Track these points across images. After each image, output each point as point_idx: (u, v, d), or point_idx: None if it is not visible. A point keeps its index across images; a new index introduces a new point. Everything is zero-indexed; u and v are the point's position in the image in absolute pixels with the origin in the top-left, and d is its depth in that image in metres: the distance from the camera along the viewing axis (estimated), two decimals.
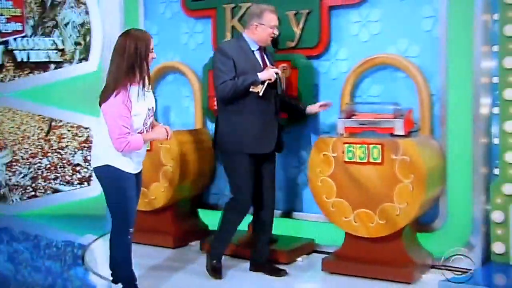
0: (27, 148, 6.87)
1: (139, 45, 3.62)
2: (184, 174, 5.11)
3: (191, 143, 5.21)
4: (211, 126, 5.43)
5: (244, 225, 4.64)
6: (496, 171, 4.30)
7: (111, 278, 3.96)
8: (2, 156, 6.89)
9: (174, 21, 5.67)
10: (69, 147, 6.81)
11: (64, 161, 6.81)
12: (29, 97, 6.85)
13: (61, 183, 6.81)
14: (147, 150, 4.00)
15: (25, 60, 6.82)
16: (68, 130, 6.82)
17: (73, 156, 6.80)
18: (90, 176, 6.76)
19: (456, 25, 4.33)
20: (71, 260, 5.14)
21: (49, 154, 6.82)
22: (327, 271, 4.45)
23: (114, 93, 3.55)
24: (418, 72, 4.43)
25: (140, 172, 3.87)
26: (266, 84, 4.16)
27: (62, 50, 6.78)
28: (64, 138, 6.82)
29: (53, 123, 6.83)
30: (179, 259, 4.91)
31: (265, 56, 4.38)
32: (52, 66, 6.80)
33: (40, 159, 6.83)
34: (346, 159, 4.29)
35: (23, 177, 6.86)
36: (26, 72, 6.85)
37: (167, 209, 5.26)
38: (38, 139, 6.85)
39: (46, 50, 6.79)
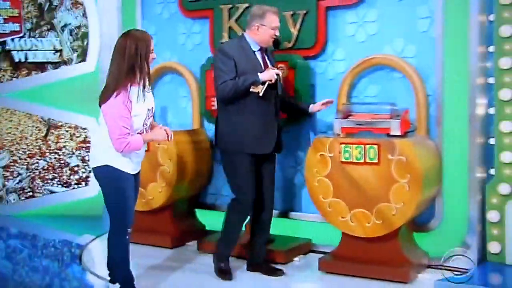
0: (25, 149, 6.87)
1: (140, 45, 3.62)
2: (181, 174, 5.12)
3: (189, 144, 5.22)
4: (208, 127, 5.45)
5: None
6: (492, 171, 4.31)
7: (108, 278, 3.98)
8: (0, 159, 6.90)
9: (171, 22, 5.68)
10: (66, 147, 6.81)
11: (61, 162, 6.81)
12: (26, 97, 6.85)
13: (59, 183, 6.82)
14: (145, 151, 4.01)
15: (22, 60, 6.83)
16: (66, 131, 6.82)
17: (71, 157, 6.81)
18: (88, 176, 6.76)
19: (452, 25, 4.35)
20: (69, 260, 5.14)
21: (46, 155, 6.83)
22: (324, 271, 4.46)
23: (115, 94, 3.55)
24: (414, 72, 4.44)
25: (138, 173, 3.88)
26: (266, 84, 4.17)
27: (60, 51, 6.79)
28: (62, 138, 6.82)
29: (51, 125, 6.83)
30: (176, 259, 4.92)
31: (266, 57, 4.39)
32: (50, 66, 6.81)
33: (38, 159, 6.84)
34: (343, 159, 4.30)
35: (20, 178, 6.86)
36: (23, 72, 6.86)
37: (164, 209, 5.27)
38: (36, 139, 6.86)
39: (43, 50, 6.79)
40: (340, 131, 4.41)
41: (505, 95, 4.22)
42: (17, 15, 6.80)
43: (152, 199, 5.17)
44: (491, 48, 4.29)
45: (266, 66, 4.32)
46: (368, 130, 4.34)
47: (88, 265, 4.83)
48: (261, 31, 4.30)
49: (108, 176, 3.70)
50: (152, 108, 3.82)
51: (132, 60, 3.60)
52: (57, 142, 6.82)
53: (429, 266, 4.46)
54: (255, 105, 4.23)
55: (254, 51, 4.34)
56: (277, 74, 4.25)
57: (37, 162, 6.84)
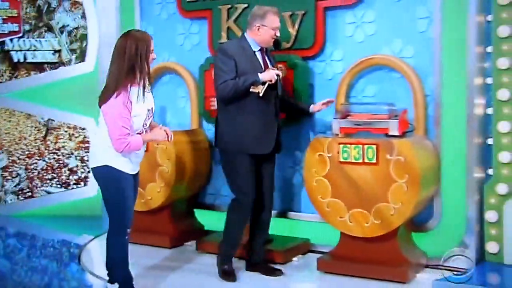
0: (24, 149, 6.87)
1: (140, 46, 3.62)
2: (180, 175, 5.13)
3: (187, 144, 5.22)
4: (207, 127, 5.46)
5: None
6: (490, 171, 4.32)
7: (107, 278, 3.98)
8: None
9: (170, 22, 5.68)
10: (65, 147, 6.82)
11: (60, 162, 6.82)
12: (25, 97, 6.86)
13: (58, 183, 6.82)
14: (144, 151, 4.01)
15: (21, 60, 6.83)
16: (65, 131, 6.83)
17: (70, 157, 6.81)
18: (87, 176, 6.77)
19: (450, 26, 4.36)
20: (68, 260, 5.14)
21: (45, 155, 6.83)
22: (323, 271, 4.47)
23: (115, 94, 3.55)
24: (412, 72, 4.45)
25: (137, 173, 3.88)
26: (266, 85, 4.18)
27: (58, 51, 6.79)
28: (60, 138, 6.83)
29: (50, 125, 6.83)
30: (175, 259, 4.92)
31: (266, 57, 4.39)
32: (49, 67, 6.81)
33: (37, 159, 6.84)
34: (341, 159, 4.31)
35: (19, 178, 6.86)
36: (22, 72, 6.86)
37: (163, 209, 5.28)
38: (35, 139, 6.86)
39: (42, 51, 6.80)
40: (339, 131, 4.42)
41: (503, 95, 4.23)
42: (16, 15, 6.81)
43: (151, 199, 5.18)
44: (489, 49, 4.30)
45: (266, 67, 4.32)
46: (366, 130, 4.34)
47: (87, 265, 4.83)
48: (262, 32, 4.31)
49: (107, 176, 3.70)
50: (152, 108, 3.83)
51: (132, 61, 3.60)
52: (56, 142, 6.83)
53: (427, 266, 4.47)
54: (255, 105, 4.24)
55: (254, 51, 4.35)
56: (277, 75, 4.25)
57: (36, 163, 6.84)
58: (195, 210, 5.61)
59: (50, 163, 6.82)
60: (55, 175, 6.82)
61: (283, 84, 4.58)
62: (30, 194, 6.85)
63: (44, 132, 6.83)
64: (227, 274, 4.35)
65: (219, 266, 4.40)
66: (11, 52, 6.83)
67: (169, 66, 5.61)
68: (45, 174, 6.83)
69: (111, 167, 3.66)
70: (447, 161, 4.43)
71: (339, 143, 4.31)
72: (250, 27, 4.36)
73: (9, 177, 6.88)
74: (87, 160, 6.73)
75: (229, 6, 5.20)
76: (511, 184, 4.23)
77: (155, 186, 5.14)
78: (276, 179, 4.61)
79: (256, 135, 4.28)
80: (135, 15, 5.87)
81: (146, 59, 3.65)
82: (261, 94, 4.16)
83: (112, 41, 5.69)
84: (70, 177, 6.81)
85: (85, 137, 6.79)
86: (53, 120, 6.82)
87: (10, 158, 6.88)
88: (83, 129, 6.80)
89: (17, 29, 6.81)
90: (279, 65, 4.65)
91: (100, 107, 3.65)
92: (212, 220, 5.50)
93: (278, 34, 4.37)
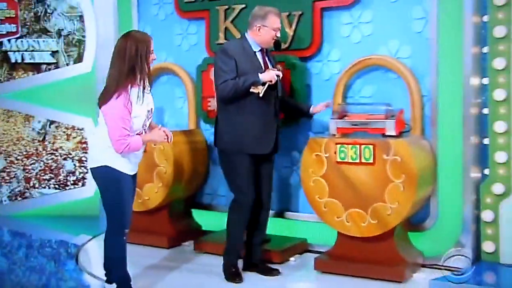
0: (22, 149, 6.88)
1: (140, 46, 3.63)
2: (178, 175, 5.14)
3: (185, 144, 5.23)
4: (204, 127, 5.47)
5: None
6: (486, 171, 4.34)
7: (105, 278, 3.99)
8: None
9: (167, 23, 5.70)
10: (63, 148, 6.82)
11: (58, 162, 6.82)
12: (23, 98, 6.86)
13: (55, 184, 6.83)
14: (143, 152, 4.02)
15: (19, 61, 6.84)
16: (63, 132, 6.83)
17: (67, 157, 6.82)
18: (84, 176, 6.78)
19: (446, 26, 4.37)
20: (65, 260, 5.15)
21: (43, 155, 6.83)
22: (320, 271, 4.48)
23: (115, 95, 3.56)
24: (409, 73, 4.47)
25: (136, 174, 3.89)
26: (266, 85, 4.19)
27: (56, 52, 6.79)
28: (58, 139, 6.83)
29: (47, 127, 6.84)
30: (173, 259, 4.93)
31: (266, 58, 4.40)
32: (47, 67, 6.82)
33: (35, 160, 6.84)
34: (338, 160, 4.32)
35: (17, 179, 6.87)
36: (20, 73, 6.86)
37: (161, 210, 5.29)
38: (33, 140, 6.86)
39: (40, 51, 6.80)
40: (336, 131, 4.43)
41: (499, 95, 4.24)
42: (13, 16, 6.81)
43: (149, 200, 5.19)
44: (485, 49, 4.31)
45: (266, 67, 4.33)
46: (363, 130, 4.36)
47: (84, 265, 4.84)
48: (263, 32, 4.31)
49: (106, 176, 3.70)
50: (152, 109, 3.83)
51: (132, 61, 3.60)
52: (53, 143, 6.83)
53: (424, 266, 4.49)
54: (255, 105, 4.24)
55: (255, 52, 4.35)
56: (277, 75, 4.26)
57: (34, 163, 6.85)
58: (192, 210, 5.63)
59: (48, 163, 6.83)
60: (53, 176, 6.82)
61: (282, 85, 4.60)
62: (28, 194, 6.86)
63: (42, 134, 6.83)
64: (234, 275, 4.33)
65: (226, 271, 4.38)
66: (9, 53, 6.84)
67: (167, 67, 5.62)
68: (42, 174, 6.84)
69: (110, 167, 3.67)
70: (444, 161, 4.44)
71: (336, 143, 4.33)
72: (250, 28, 4.36)
73: (6, 178, 6.89)
74: (85, 161, 6.74)
75: (227, 6, 5.21)
76: (507, 184, 4.24)
77: (153, 186, 5.15)
78: (273, 179, 4.62)
79: (256, 135, 4.29)
80: (133, 16, 5.88)
81: (146, 60, 3.66)
82: (261, 95, 4.17)
83: (110, 42, 5.80)
84: (68, 177, 6.81)
85: (83, 137, 6.80)
86: (53, 121, 6.84)
87: (8, 159, 6.89)
88: (81, 129, 6.81)
89: (14, 30, 6.82)
90: (277, 66, 4.66)
91: (100, 107, 3.65)
92: (209, 220, 5.51)
93: (278, 34, 4.38)
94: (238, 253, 4.42)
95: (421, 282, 4.19)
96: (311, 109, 4.61)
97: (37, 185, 6.84)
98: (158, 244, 5.23)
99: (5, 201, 6.88)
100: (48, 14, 6.76)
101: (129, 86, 3.60)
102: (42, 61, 6.80)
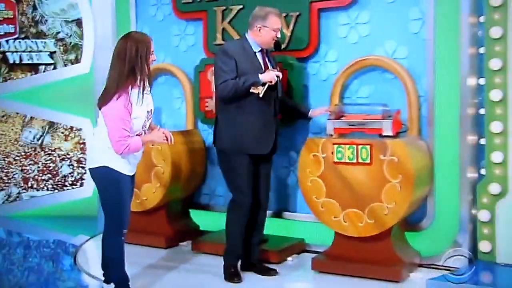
0: (20, 150, 6.88)
1: (140, 47, 3.63)
2: (175, 175, 5.15)
3: (183, 144, 5.24)
4: (202, 127, 5.48)
5: None
6: (483, 171, 4.36)
7: (103, 278, 4.00)
8: None
9: (165, 24, 5.71)
10: (61, 148, 6.83)
11: (56, 163, 6.83)
12: (21, 99, 6.87)
13: (54, 184, 6.83)
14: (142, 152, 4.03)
15: (17, 62, 6.84)
16: (62, 132, 6.84)
17: (66, 158, 6.82)
18: (83, 177, 6.78)
19: (443, 27, 4.39)
20: (63, 260, 5.16)
21: (41, 156, 6.84)
22: (317, 270, 4.49)
23: (116, 96, 3.56)
24: (406, 73, 4.48)
25: (134, 174, 3.89)
26: (266, 86, 4.20)
27: (54, 52, 6.80)
28: (56, 139, 6.84)
29: (46, 127, 6.85)
30: (171, 259, 4.94)
31: (266, 58, 4.40)
32: (45, 68, 6.82)
33: (33, 160, 6.85)
34: (336, 160, 4.33)
35: (15, 179, 6.88)
36: (18, 74, 6.87)
37: (159, 210, 5.29)
38: (31, 141, 6.87)
39: (38, 52, 6.81)
40: (333, 132, 4.44)
41: (496, 95, 4.25)
42: (11, 16, 6.82)
43: (146, 200, 5.20)
44: (482, 50, 4.32)
45: (266, 68, 4.34)
46: (360, 131, 4.37)
47: (82, 265, 4.85)
48: (263, 33, 4.32)
49: (106, 177, 3.71)
50: (151, 110, 3.84)
51: (132, 62, 3.61)
52: (52, 143, 6.84)
53: (420, 265, 4.50)
54: (255, 106, 4.25)
55: (255, 52, 4.35)
56: (277, 76, 4.27)
57: (32, 163, 6.85)
58: (190, 210, 5.63)
59: (46, 164, 6.83)
60: (51, 176, 6.83)
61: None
62: (26, 194, 6.86)
63: (40, 134, 6.85)
64: (234, 276, 4.34)
65: (226, 272, 4.38)
66: (7, 53, 6.85)
67: (165, 67, 5.63)
68: (41, 175, 6.84)
69: (110, 168, 3.67)
70: (440, 161, 4.46)
71: (334, 144, 4.34)
72: (251, 28, 4.37)
73: (5, 178, 6.89)
74: (83, 161, 6.75)
75: (224, 7, 5.22)
76: (503, 184, 4.26)
77: (151, 186, 5.16)
78: (271, 179, 4.63)
79: (256, 135, 4.29)
80: (131, 16, 5.88)
81: (146, 60, 3.67)
82: (261, 95, 4.18)
83: (108, 43, 5.81)
84: (66, 177, 6.82)
85: (81, 138, 6.81)
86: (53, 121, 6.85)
87: (6, 159, 6.89)
88: (79, 130, 6.82)
89: (12, 31, 6.82)
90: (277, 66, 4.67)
91: (100, 108, 3.66)
92: (207, 220, 5.52)
93: (279, 35, 4.39)
94: (238, 253, 4.43)
95: (418, 282, 4.21)
96: (310, 112, 4.63)
97: (35, 186, 6.84)
98: (156, 244, 5.24)
99: (8, 200, 6.88)
100: (45, 18, 6.77)
101: (130, 87, 3.61)
102: (40, 62, 6.81)
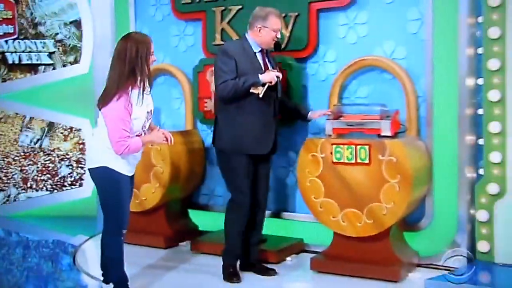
0: (19, 150, 6.89)
1: (140, 48, 3.64)
2: (174, 175, 5.15)
3: (182, 144, 5.25)
4: (201, 127, 5.49)
5: None
6: (481, 171, 4.37)
7: (102, 278, 4.00)
8: None
9: (164, 24, 5.71)
10: (60, 148, 6.84)
11: (55, 163, 6.84)
12: (20, 99, 6.87)
13: (53, 184, 6.84)
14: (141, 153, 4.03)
15: (16, 62, 6.85)
16: (61, 133, 6.85)
17: (65, 158, 6.83)
18: (82, 177, 6.79)
19: (441, 27, 4.40)
20: (62, 260, 5.17)
21: (40, 156, 6.85)
22: (316, 270, 4.50)
23: (116, 97, 3.56)
24: (404, 74, 4.49)
25: (133, 175, 3.90)
26: (266, 86, 4.20)
27: (53, 53, 6.81)
28: (56, 140, 6.85)
29: (45, 129, 6.86)
30: (170, 259, 4.95)
31: (266, 59, 4.41)
32: (44, 68, 6.83)
33: (32, 160, 6.85)
34: (334, 160, 4.34)
35: (14, 179, 6.88)
36: (17, 74, 6.87)
37: (158, 210, 5.30)
38: (30, 141, 6.88)
39: (37, 52, 6.82)
40: (332, 132, 4.45)
41: (494, 96, 4.26)
42: (10, 17, 6.82)
43: (146, 200, 5.20)
44: (480, 50, 4.33)
45: (266, 68, 4.34)
46: (359, 131, 4.38)
47: (82, 265, 4.85)
48: (263, 33, 4.32)
49: (105, 177, 3.71)
50: (151, 110, 3.84)
51: (133, 63, 3.61)
52: (51, 143, 6.85)
53: (419, 265, 4.51)
54: (255, 106, 4.26)
55: (255, 52, 4.36)
56: (277, 77, 4.28)
57: (31, 163, 6.86)
58: (189, 210, 5.64)
59: (45, 164, 6.84)
60: (50, 176, 6.84)
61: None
62: (25, 195, 6.87)
63: (40, 135, 6.85)
64: (233, 276, 4.34)
65: (225, 272, 4.38)
66: (6, 54, 6.85)
67: (164, 68, 5.63)
68: (40, 175, 6.85)
69: (109, 168, 3.68)
70: (439, 161, 4.47)
71: (332, 144, 4.35)
72: (251, 28, 4.37)
73: (4, 178, 6.90)
74: (82, 161, 6.76)
75: (223, 8, 5.23)
76: (501, 184, 4.27)
77: (150, 186, 5.16)
78: (270, 180, 4.64)
79: (256, 135, 4.30)
80: (130, 16, 5.88)
81: (147, 61, 3.67)
82: (260, 95, 4.19)
83: (107, 43, 5.82)
84: (65, 178, 6.82)
85: (80, 138, 6.81)
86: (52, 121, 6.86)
87: (5, 159, 6.90)
88: (79, 130, 6.82)
89: (12, 31, 6.83)
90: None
91: (100, 109, 3.66)
92: (206, 220, 5.53)
93: (279, 36, 4.39)
94: (236, 253, 4.43)
95: (417, 281, 4.22)
96: (309, 114, 4.63)
97: (34, 186, 6.85)
98: (155, 244, 5.25)
99: (7, 200, 6.89)
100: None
101: (130, 88, 3.61)
102: (39, 62, 6.81)
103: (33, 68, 6.84)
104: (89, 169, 3.80)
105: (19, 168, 6.87)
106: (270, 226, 4.94)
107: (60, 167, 6.83)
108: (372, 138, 4.29)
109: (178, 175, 5.19)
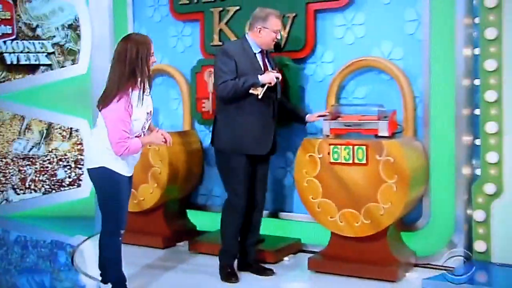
0: (17, 150, 6.89)
1: (141, 49, 3.64)
2: (172, 176, 5.16)
3: (180, 145, 5.25)
4: (199, 128, 5.50)
5: None
6: (478, 171, 4.38)
7: (100, 278, 4.01)
8: None
9: (162, 25, 5.72)
10: (59, 149, 6.84)
11: (54, 163, 6.84)
12: (19, 99, 6.87)
13: (51, 184, 6.84)
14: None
15: (14, 62, 6.85)
16: (59, 133, 6.85)
17: (63, 158, 6.83)
18: (80, 177, 6.79)
19: (438, 28, 4.41)
20: (61, 261, 5.17)
21: (39, 156, 6.85)
22: (313, 270, 4.50)
23: (116, 98, 3.56)
24: (401, 74, 4.51)
25: (132, 175, 3.90)
26: (266, 87, 4.21)
27: (52, 53, 6.81)
28: (54, 140, 6.85)
29: (45, 128, 6.87)
30: (168, 259, 4.95)
31: (266, 60, 4.41)
32: (42, 69, 6.83)
33: (31, 161, 6.86)
34: (332, 160, 4.35)
35: (12, 179, 6.88)
36: (16, 74, 6.88)
37: (156, 210, 5.31)
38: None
39: (36, 53, 6.82)
40: (329, 132, 4.47)
41: (491, 96, 4.27)
42: (9, 17, 6.82)
43: (144, 200, 5.21)
44: (477, 51, 4.34)
45: (266, 69, 4.35)
46: (356, 131, 4.39)
47: (80, 266, 4.86)
48: (263, 34, 4.33)
49: (104, 178, 3.71)
50: (151, 111, 3.84)
51: (133, 64, 3.61)
52: (49, 144, 6.85)
53: (416, 265, 4.52)
54: (255, 106, 4.26)
55: (255, 53, 4.36)
56: (277, 77, 4.29)
57: (30, 164, 6.86)
58: (187, 210, 5.65)
59: (43, 164, 6.84)
60: (48, 176, 6.84)
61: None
62: (23, 195, 6.87)
63: (40, 136, 6.86)
64: (230, 276, 4.35)
65: (222, 272, 4.39)
66: (4, 54, 6.85)
67: (162, 68, 5.64)
68: (38, 175, 6.85)
69: (108, 169, 3.68)
70: (436, 162, 4.48)
71: (330, 144, 4.36)
72: (251, 29, 4.38)
73: (2, 179, 6.90)
74: (81, 162, 6.76)
75: (221, 8, 5.24)
76: (498, 184, 4.28)
77: (148, 187, 5.17)
78: (268, 180, 4.65)
79: (256, 136, 4.31)
80: (128, 17, 5.89)
81: (147, 62, 3.67)
82: (260, 96, 4.20)
83: (105, 43, 5.82)
84: (64, 178, 6.83)
85: (78, 138, 6.82)
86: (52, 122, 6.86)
87: (4, 160, 6.90)
88: (77, 130, 6.83)
89: (10, 31, 6.83)
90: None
91: (100, 110, 3.66)
92: (204, 221, 5.54)
93: (279, 37, 4.39)
94: (233, 253, 4.44)
95: (414, 281, 4.23)
96: (307, 117, 4.64)
97: (32, 186, 6.85)
98: (153, 244, 5.25)
99: (5, 201, 6.89)
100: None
101: (130, 89, 3.61)
102: (37, 63, 6.82)
103: (31, 68, 6.84)
104: (88, 169, 3.80)
105: (17, 169, 6.87)
106: (268, 226, 4.94)
107: (59, 167, 6.83)
108: (370, 138, 4.30)
109: (176, 175, 5.20)
